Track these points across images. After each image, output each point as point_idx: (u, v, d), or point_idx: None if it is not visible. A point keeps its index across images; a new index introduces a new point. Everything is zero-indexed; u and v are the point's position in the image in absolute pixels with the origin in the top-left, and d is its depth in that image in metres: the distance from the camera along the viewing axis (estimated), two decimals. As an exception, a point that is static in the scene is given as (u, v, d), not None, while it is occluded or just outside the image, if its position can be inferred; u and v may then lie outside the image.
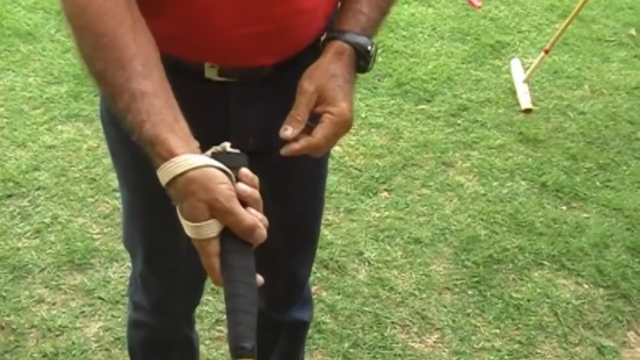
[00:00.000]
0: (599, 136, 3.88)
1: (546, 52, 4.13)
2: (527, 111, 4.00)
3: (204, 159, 1.21)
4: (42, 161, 3.46)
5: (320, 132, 1.40)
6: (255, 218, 1.21)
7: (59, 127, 3.70)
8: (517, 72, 4.26)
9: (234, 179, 1.22)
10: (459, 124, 3.91)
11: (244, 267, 1.21)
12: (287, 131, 1.38)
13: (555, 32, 4.65)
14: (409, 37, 4.66)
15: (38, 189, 3.31)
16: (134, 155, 1.68)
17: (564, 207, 3.40)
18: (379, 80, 4.18)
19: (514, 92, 4.18)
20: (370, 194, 3.38)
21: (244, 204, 1.22)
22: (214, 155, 1.23)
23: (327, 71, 1.42)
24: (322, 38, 1.48)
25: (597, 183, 3.55)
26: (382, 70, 4.25)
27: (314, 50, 1.51)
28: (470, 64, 4.45)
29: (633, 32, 4.89)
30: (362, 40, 1.46)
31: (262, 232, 1.22)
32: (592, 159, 3.71)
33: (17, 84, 4.00)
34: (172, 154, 1.20)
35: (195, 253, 1.22)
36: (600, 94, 4.26)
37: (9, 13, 4.60)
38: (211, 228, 1.20)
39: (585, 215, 3.36)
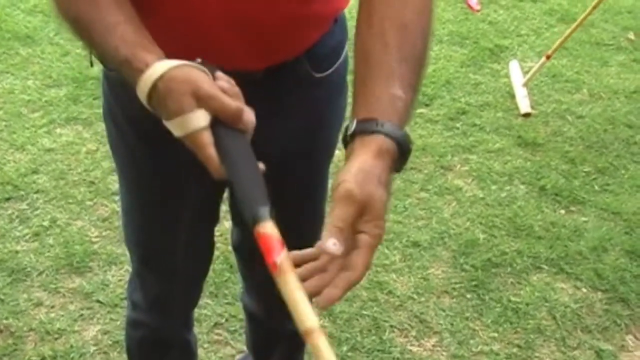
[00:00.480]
0: (598, 140, 3.88)
1: (548, 57, 4.13)
2: (526, 115, 4.00)
3: (180, 61, 1.22)
4: (40, 164, 3.47)
5: (361, 263, 1.11)
6: (240, 103, 1.21)
7: (58, 130, 3.70)
8: (516, 75, 4.28)
9: (211, 77, 1.23)
10: (458, 128, 3.91)
11: (242, 151, 1.20)
12: (336, 247, 1.09)
13: (554, 36, 4.67)
14: (407, 40, 4.65)
15: (37, 192, 3.31)
16: (133, 151, 1.70)
17: (563, 211, 3.40)
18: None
19: (512, 96, 4.18)
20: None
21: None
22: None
23: (374, 177, 1.14)
24: (353, 128, 1.20)
25: (596, 187, 3.55)
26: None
27: (310, 57, 1.49)
28: (469, 67, 4.46)
29: (632, 36, 4.90)
30: (404, 135, 1.20)
31: (251, 116, 1.21)
32: (590, 162, 3.71)
33: (16, 87, 4.01)
34: (148, 65, 1.22)
35: (193, 251, 1.22)
36: (599, 97, 4.26)
37: (8, 16, 4.60)
38: (199, 117, 1.19)
39: (583, 219, 3.36)
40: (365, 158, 1.15)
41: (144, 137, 1.61)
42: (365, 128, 1.18)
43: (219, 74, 1.24)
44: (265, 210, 1.11)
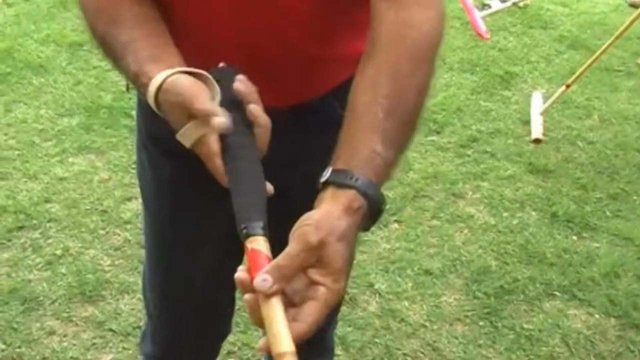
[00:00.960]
0: (609, 166, 3.88)
1: (567, 86, 4.16)
2: (537, 141, 4.01)
3: (173, 70, 1.22)
4: (53, 193, 3.48)
5: (312, 316, 1.04)
6: (215, 108, 1.18)
7: (70, 159, 3.72)
8: (537, 104, 4.30)
9: (213, 83, 1.21)
10: (469, 155, 3.92)
11: (247, 163, 1.18)
12: (266, 283, 1.01)
13: (564, 63, 4.69)
14: (418, 68, 4.66)
15: (49, 220, 3.32)
16: (156, 180, 1.70)
17: (575, 237, 3.39)
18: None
19: (523, 123, 4.19)
20: (381, 226, 3.38)
21: (246, 102, 1.21)
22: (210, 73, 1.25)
23: (338, 229, 1.07)
24: (327, 176, 1.14)
25: (608, 213, 3.54)
26: (391, 101, 4.26)
27: (338, 96, 1.41)
28: (480, 94, 4.47)
29: (641, 61, 4.91)
30: (379, 195, 1.14)
31: (220, 120, 1.17)
32: (602, 188, 3.70)
33: (29, 116, 4.03)
34: (151, 78, 1.22)
35: (210, 290, 1.18)
36: (609, 123, 4.27)
37: (21, 46, 4.64)
38: (192, 130, 1.19)
39: (595, 245, 3.35)
40: (334, 210, 1.10)
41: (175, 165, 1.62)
42: (339, 179, 1.12)
43: (239, 77, 1.23)
44: (258, 226, 1.09)
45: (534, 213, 3.52)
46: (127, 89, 1.61)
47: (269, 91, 1.28)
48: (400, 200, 3.54)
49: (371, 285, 3.07)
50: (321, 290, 1.04)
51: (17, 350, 2.75)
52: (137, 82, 1.26)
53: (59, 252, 3.16)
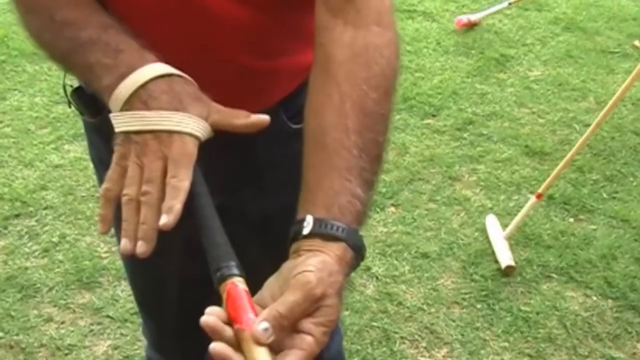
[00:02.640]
0: (605, 148, 3.88)
1: (538, 197, 3.22)
2: (509, 269, 3.11)
3: (172, 69, 1.17)
4: (49, 180, 3.47)
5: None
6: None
7: (66, 146, 3.71)
8: (494, 229, 3.32)
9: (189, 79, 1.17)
10: (465, 138, 3.91)
11: (207, 205, 1.12)
12: (268, 332, 0.96)
13: (559, 45, 4.68)
14: (413, 52, 4.66)
15: (45, 208, 3.32)
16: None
17: (572, 220, 3.39)
18: (384, 95, 4.18)
19: (519, 105, 4.19)
20: (377, 209, 3.38)
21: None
22: None
23: (337, 283, 1.03)
24: (310, 227, 1.07)
25: (604, 195, 3.54)
26: (387, 85, 4.25)
27: (286, 108, 1.37)
28: (475, 77, 4.46)
29: (637, 43, 4.89)
30: (362, 242, 1.11)
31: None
32: (598, 170, 3.70)
33: (24, 104, 4.02)
34: (135, 68, 1.16)
35: (187, 301, 1.11)
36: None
37: (15, 34, 4.62)
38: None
39: (592, 227, 3.35)
40: (329, 262, 1.03)
41: None
42: (325, 231, 1.06)
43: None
44: (234, 265, 1.03)
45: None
46: (70, 105, 1.51)
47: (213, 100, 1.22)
48: (397, 184, 3.54)
49: (368, 268, 3.07)
50: (308, 340, 0.98)
51: (15, 337, 2.75)
52: (109, 73, 1.16)
53: (55, 239, 3.16)
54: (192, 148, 1.13)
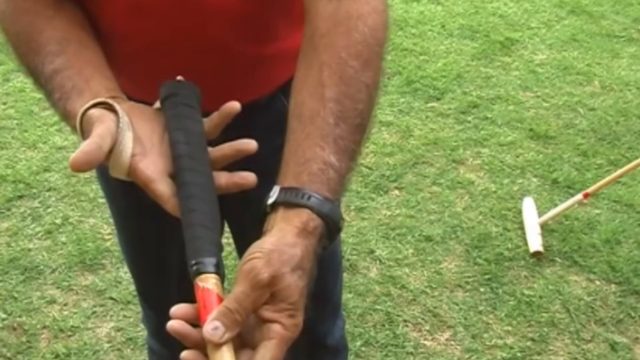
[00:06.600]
0: (610, 132, 3.87)
1: (586, 196, 3.22)
2: (537, 254, 3.14)
3: (88, 104, 1.12)
4: (52, 162, 3.47)
5: (268, 358, 0.93)
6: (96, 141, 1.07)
7: (69, 128, 3.70)
8: (530, 212, 3.32)
9: (118, 111, 1.10)
10: (469, 121, 3.91)
11: (197, 183, 1.06)
12: (218, 331, 0.91)
13: (564, 29, 4.67)
14: (418, 35, 4.65)
15: (49, 190, 3.31)
16: (115, 209, 1.67)
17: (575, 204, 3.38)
18: (388, 78, 4.17)
19: (524, 89, 4.18)
20: (381, 192, 3.37)
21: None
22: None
23: (293, 259, 0.96)
24: (275, 196, 1.02)
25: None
26: (391, 68, 4.25)
27: (285, 92, 1.26)
28: (480, 61, 4.44)
29: (643, 27, 4.88)
30: (336, 211, 1.02)
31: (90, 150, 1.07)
32: (603, 155, 3.69)
33: (27, 86, 4.01)
34: (75, 117, 1.14)
35: (186, 292, 1.09)
36: (610, 89, 4.25)
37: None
38: (114, 162, 1.10)
39: (596, 211, 3.34)
40: (286, 235, 0.97)
41: None
42: (289, 199, 1.00)
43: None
44: (210, 263, 0.98)
45: (534, 179, 3.52)
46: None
47: (208, 96, 1.19)
48: (401, 167, 3.53)
49: (372, 251, 3.07)
50: (276, 328, 0.94)
51: (18, 319, 2.75)
52: (66, 120, 1.17)
53: (58, 221, 3.15)
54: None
